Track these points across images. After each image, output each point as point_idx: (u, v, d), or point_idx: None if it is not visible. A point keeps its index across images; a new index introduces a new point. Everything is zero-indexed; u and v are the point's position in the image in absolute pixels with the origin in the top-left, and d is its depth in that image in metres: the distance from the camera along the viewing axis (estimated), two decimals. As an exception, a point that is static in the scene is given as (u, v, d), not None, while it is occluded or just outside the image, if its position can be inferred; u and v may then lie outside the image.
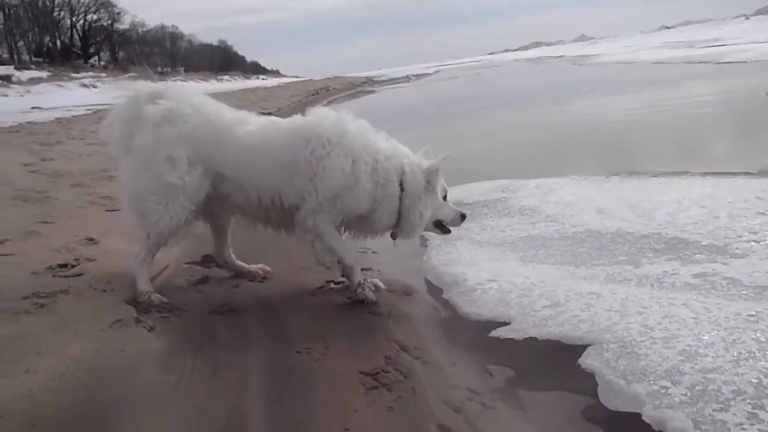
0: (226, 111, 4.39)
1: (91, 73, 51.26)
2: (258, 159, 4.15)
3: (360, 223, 4.31)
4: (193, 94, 4.55)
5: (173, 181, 4.12)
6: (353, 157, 4.06)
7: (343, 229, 4.36)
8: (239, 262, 4.80)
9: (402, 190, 4.16)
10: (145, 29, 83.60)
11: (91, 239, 5.40)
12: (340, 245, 4.24)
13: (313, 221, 4.10)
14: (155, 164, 4.13)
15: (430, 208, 4.25)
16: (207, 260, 5.04)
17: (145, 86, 4.48)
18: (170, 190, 4.13)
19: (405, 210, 4.20)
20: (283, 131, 4.23)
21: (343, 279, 4.40)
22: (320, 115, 4.26)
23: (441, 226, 4.40)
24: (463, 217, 4.40)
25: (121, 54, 77.30)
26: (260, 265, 4.84)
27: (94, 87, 42.08)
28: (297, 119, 4.30)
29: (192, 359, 3.44)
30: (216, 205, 4.38)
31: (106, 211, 6.71)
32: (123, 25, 78.60)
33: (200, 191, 4.20)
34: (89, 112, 24.06)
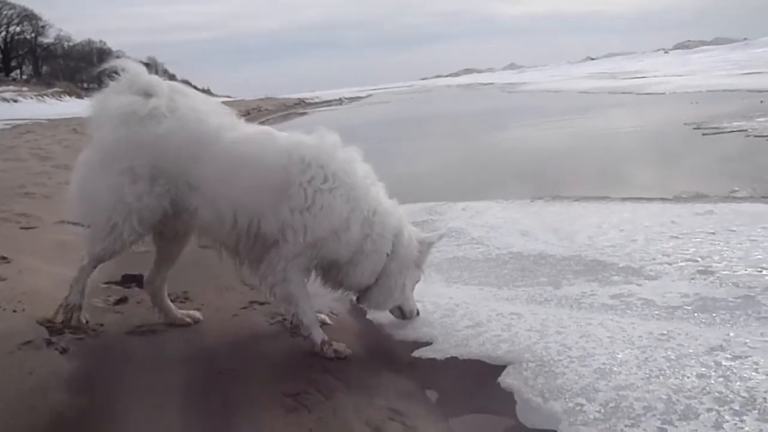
0: (209, 114, 3.80)
1: (12, 87, 49.40)
2: (244, 171, 3.57)
3: (333, 271, 3.78)
4: (184, 93, 3.91)
5: (130, 201, 3.59)
6: (354, 204, 3.57)
7: (314, 274, 3.84)
8: (169, 303, 4.16)
9: (389, 254, 3.72)
10: (71, 44, 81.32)
11: (3, 258, 5.16)
12: (304, 299, 3.66)
13: (285, 265, 3.57)
14: (114, 173, 3.60)
15: (411, 284, 3.88)
16: (127, 280, 4.89)
17: (143, 76, 3.82)
18: (124, 209, 3.61)
19: (386, 274, 3.72)
20: (280, 145, 3.64)
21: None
22: (330, 141, 3.68)
23: (401, 311, 3.98)
24: (418, 313, 4.02)
25: (44, 68, 74.90)
26: (191, 312, 4.22)
27: (15, 101, 40.59)
28: (300, 136, 3.73)
29: (107, 382, 3.32)
30: (174, 226, 3.82)
31: (21, 228, 6.45)
32: (47, 39, 76.15)
33: (156, 213, 3.66)
34: (8, 126, 23.15)
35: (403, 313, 3.97)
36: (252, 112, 40.07)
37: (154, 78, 3.83)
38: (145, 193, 3.60)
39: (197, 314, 4.21)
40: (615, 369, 3.17)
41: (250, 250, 3.68)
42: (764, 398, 2.80)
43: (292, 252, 3.53)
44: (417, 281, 3.95)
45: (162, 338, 3.94)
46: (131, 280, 4.86)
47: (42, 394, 3.11)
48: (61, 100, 46.62)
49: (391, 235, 3.70)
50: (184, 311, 4.20)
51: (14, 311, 4.04)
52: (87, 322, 3.92)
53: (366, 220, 3.61)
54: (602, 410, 2.84)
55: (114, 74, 3.81)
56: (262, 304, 4.37)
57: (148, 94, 3.69)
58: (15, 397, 3.06)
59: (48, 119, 28.16)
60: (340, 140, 3.70)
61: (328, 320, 4.12)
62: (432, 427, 3.05)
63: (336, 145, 3.67)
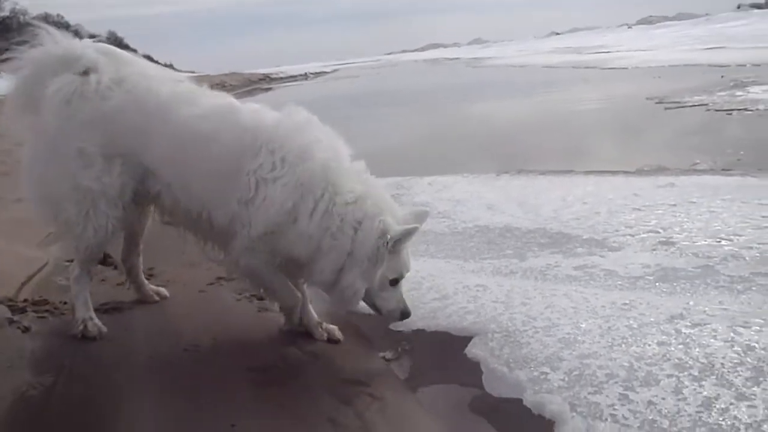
0: (164, 84, 3.47)
1: (-34, 63, 48.00)
2: (197, 157, 3.26)
3: (296, 268, 3.41)
4: (128, 62, 3.58)
5: (89, 185, 3.32)
6: (303, 192, 3.13)
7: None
8: (143, 279, 4.06)
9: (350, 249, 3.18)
10: (27, 17, 79.05)
11: (-39, 236, 5.06)
12: (280, 284, 3.43)
13: (246, 260, 3.30)
14: (64, 159, 3.33)
15: (365, 282, 3.19)
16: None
17: (73, 49, 3.46)
18: (87, 196, 3.33)
19: (340, 272, 3.19)
20: (238, 125, 3.27)
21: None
22: (294, 120, 3.30)
23: (377, 310, 3.37)
24: (403, 315, 3.34)
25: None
26: (159, 289, 4.12)
27: (-30, 77, 39.43)
28: (264, 113, 3.35)
29: (71, 360, 3.28)
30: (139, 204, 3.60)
31: (-19, 207, 6.31)
32: (2, 12, 74.06)
33: (125, 192, 3.40)
34: (-36, 103, 22.48)
35: (379, 311, 3.37)
36: (216, 87, 39.33)
37: (91, 53, 3.45)
38: (103, 173, 3.34)
39: (164, 291, 4.13)
40: (579, 338, 3.23)
41: (210, 234, 3.48)
42: (722, 364, 2.88)
43: (244, 245, 3.24)
44: (378, 276, 3.21)
45: (127, 316, 3.91)
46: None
47: (4, 374, 3.07)
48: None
49: (352, 228, 3.15)
50: (153, 287, 4.12)
51: (-26, 291, 3.96)
52: (102, 331, 3.56)
53: (327, 213, 3.14)
54: (566, 378, 2.89)
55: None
56: (228, 280, 4.34)
57: (86, 72, 3.39)
58: (-24, 376, 3.02)
59: (4, 95, 27.42)
60: (308, 118, 3.31)
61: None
62: (400, 398, 3.08)
63: (299, 125, 3.27)
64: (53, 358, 3.28)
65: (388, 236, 3.11)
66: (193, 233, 3.58)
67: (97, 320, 3.58)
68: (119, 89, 3.38)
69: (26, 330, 3.54)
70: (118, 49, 3.66)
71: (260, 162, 3.16)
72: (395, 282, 3.30)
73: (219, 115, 3.33)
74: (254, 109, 3.39)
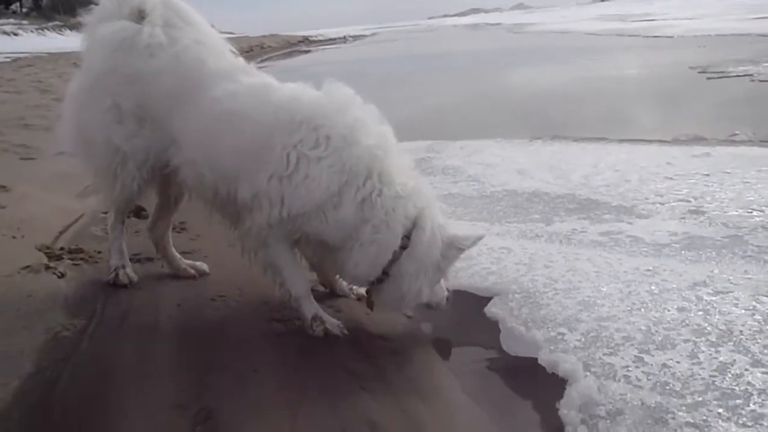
0: (213, 56, 3.33)
1: (12, 20, 48.83)
2: (227, 133, 3.09)
3: (322, 252, 3.27)
4: (186, 19, 3.45)
5: (118, 143, 3.29)
6: (348, 177, 2.91)
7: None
8: (174, 252, 3.87)
9: (404, 247, 2.98)
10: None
11: (3, 187, 5.22)
12: (289, 266, 3.17)
13: (260, 231, 3.04)
14: (100, 109, 3.30)
15: (430, 287, 3.10)
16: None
17: None
18: (117, 153, 3.32)
19: (400, 274, 2.99)
20: (272, 101, 3.06)
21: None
22: (337, 98, 3.04)
23: (426, 304, 3.25)
24: (448, 300, 3.27)
25: (45, 1, 73.66)
26: (197, 263, 3.90)
27: (15, 35, 40.17)
28: (301, 91, 3.12)
29: (102, 305, 3.41)
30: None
31: (21, 159, 6.50)
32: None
33: (147, 161, 3.35)
34: (8, 59, 23.00)
35: (430, 307, 3.26)
36: (255, 48, 39.64)
37: (157, 3, 3.37)
38: (133, 135, 3.30)
39: (204, 267, 3.90)
40: (598, 302, 3.24)
41: (236, 215, 3.24)
42: (741, 331, 2.88)
43: (266, 222, 2.99)
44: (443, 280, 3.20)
45: (157, 266, 4.01)
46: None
47: (39, 316, 3.20)
48: (61, 34, 46.15)
49: (402, 225, 2.95)
50: (190, 262, 3.92)
51: (14, 237, 4.11)
52: (133, 280, 3.67)
53: (366, 201, 2.92)
54: (582, 339, 2.92)
55: None
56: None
57: (140, 16, 3.32)
58: (14, 317, 3.15)
59: (48, 53, 27.98)
60: (352, 97, 3.04)
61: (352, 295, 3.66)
62: (420, 353, 3.16)
63: (343, 103, 3.01)
64: (86, 303, 3.41)
65: (462, 245, 3.07)
66: (220, 211, 3.37)
67: (129, 269, 3.69)
68: (169, 50, 3.27)
69: (62, 276, 3.67)
70: (185, 6, 3.51)
71: (300, 137, 2.92)
72: None
73: (253, 93, 3.14)
74: (292, 88, 3.15)
